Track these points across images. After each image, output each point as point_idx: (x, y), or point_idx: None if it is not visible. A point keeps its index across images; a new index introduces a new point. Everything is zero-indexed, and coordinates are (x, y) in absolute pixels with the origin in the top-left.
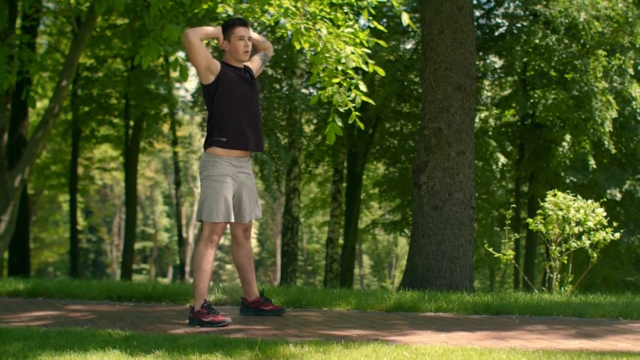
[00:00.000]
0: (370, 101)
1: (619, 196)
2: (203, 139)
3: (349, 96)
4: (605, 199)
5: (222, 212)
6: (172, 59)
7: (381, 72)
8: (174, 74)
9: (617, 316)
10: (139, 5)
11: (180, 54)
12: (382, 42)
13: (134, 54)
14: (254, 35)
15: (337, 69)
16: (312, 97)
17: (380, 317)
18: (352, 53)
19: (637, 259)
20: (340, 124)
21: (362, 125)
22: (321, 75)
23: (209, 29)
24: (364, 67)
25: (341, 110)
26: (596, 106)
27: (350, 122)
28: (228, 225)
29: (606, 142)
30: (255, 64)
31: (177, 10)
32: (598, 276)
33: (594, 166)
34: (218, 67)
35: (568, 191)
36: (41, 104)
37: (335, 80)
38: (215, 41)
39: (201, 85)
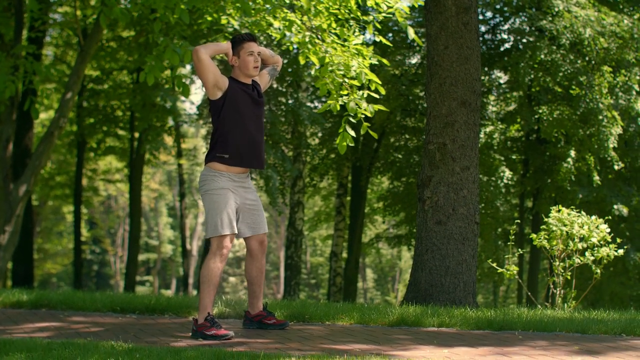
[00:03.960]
0: (383, 108)
1: (625, 212)
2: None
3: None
4: (609, 217)
5: (226, 224)
6: (176, 73)
7: (382, 90)
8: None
9: (620, 333)
10: (145, 18)
11: (183, 71)
12: (385, 61)
13: (139, 67)
14: (263, 50)
15: (344, 81)
16: (322, 106)
17: (383, 331)
18: (361, 66)
19: None
20: (352, 133)
21: (375, 135)
22: (329, 86)
23: (219, 45)
24: (375, 77)
25: (353, 120)
26: (602, 122)
27: (362, 132)
28: (242, 239)
29: (610, 158)
30: (263, 79)
31: (182, 25)
32: (605, 292)
33: (599, 182)
34: (226, 84)
35: (572, 207)
36: (46, 115)
37: (343, 92)
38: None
39: (208, 99)
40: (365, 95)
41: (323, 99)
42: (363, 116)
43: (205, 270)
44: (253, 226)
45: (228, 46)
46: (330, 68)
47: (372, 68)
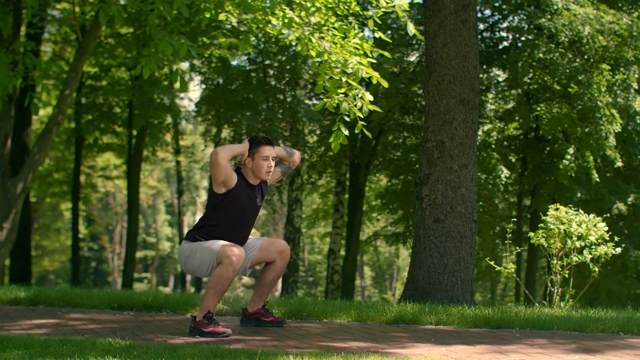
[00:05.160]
0: (377, 109)
1: (624, 209)
2: (207, 149)
3: (355, 105)
4: (607, 215)
5: (217, 243)
6: (173, 68)
7: (384, 83)
8: (178, 84)
9: (618, 331)
10: (143, 14)
11: (182, 66)
12: (386, 54)
13: (137, 63)
14: (279, 150)
15: (342, 79)
16: (318, 104)
17: (381, 329)
18: (360, 63)
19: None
20: (346, 132)
21: (369, 134)
22: (327, 84)
23: (236, 148)
24: (374, 73)
25: (347, 119)
26: (600, 120)
27: (357, 131)
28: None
29: (610, 154)
30: (274, 175)
31: (180, 20)
32: (603, 291)
33: (597, 179)
34: (233, 184)
35: (570, 205)
36: (45, 112)
37: (341, 91)
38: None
39: (210, 187)
40: (360, 96)
41: (321, 96)
42: (357, 115)
43: (214, 277)
44: (252, 249)
45: (245, 148)
46: (328, 66)
47: (372, 66)
